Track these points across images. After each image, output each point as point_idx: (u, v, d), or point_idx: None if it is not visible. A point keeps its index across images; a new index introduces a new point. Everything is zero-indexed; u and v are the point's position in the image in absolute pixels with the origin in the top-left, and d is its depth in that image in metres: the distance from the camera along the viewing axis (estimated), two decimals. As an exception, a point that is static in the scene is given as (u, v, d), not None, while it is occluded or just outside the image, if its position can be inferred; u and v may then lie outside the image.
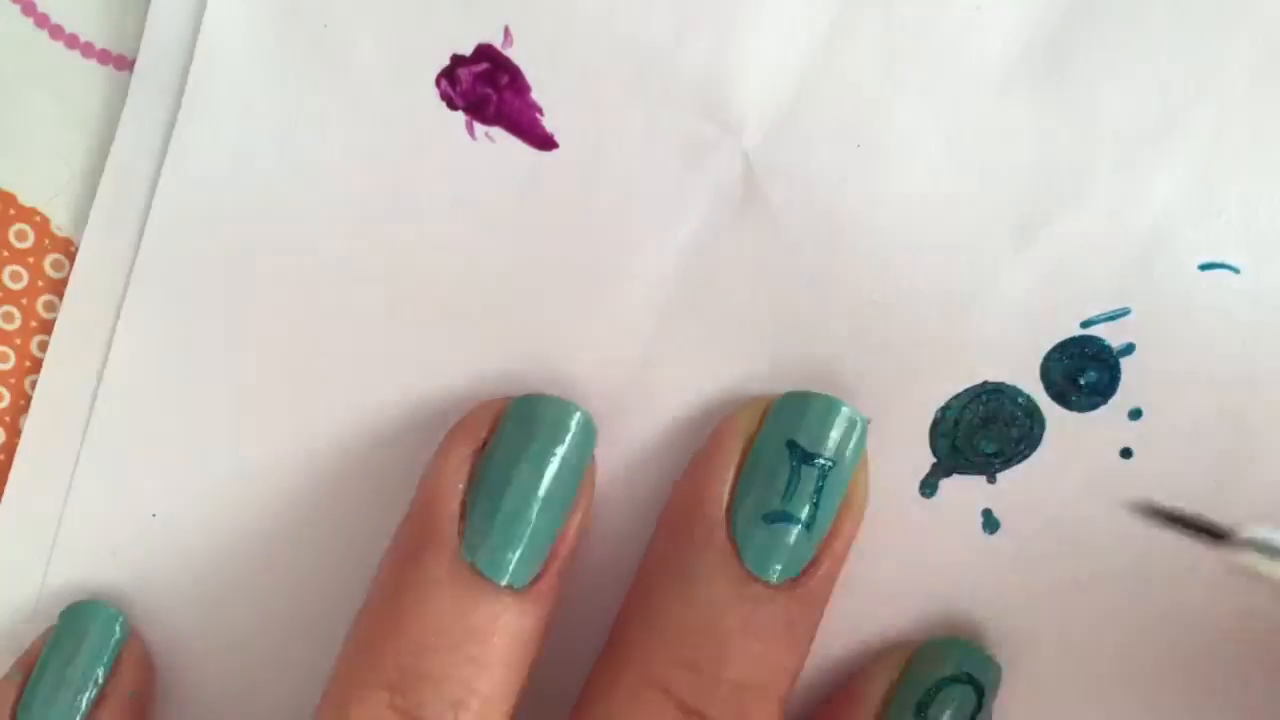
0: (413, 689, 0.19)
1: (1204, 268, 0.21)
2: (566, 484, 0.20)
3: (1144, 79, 0.20)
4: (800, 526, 0.20)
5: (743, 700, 0.20)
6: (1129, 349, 0.21)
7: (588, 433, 0.21)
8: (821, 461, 0.20)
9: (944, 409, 0.22)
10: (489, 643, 0.20)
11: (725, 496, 0.20)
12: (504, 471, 0.20)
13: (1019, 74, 0.20)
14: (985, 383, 0.22)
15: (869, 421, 0.21)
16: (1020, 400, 0.22)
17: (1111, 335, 0.21)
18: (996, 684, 0.22)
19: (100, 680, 0.22)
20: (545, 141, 0.21)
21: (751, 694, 0.20)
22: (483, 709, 0.20)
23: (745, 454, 0.21)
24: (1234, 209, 0.20)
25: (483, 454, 0.20)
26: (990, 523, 0.22)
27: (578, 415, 0.20)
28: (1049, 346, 0.21)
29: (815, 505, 0.20)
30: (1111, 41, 0.20)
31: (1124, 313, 0.21)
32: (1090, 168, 0.20)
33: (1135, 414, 0.21)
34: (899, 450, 0.22)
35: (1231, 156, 0.20)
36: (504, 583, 0.20)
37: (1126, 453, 0.22)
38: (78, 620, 0.22)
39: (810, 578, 0.20)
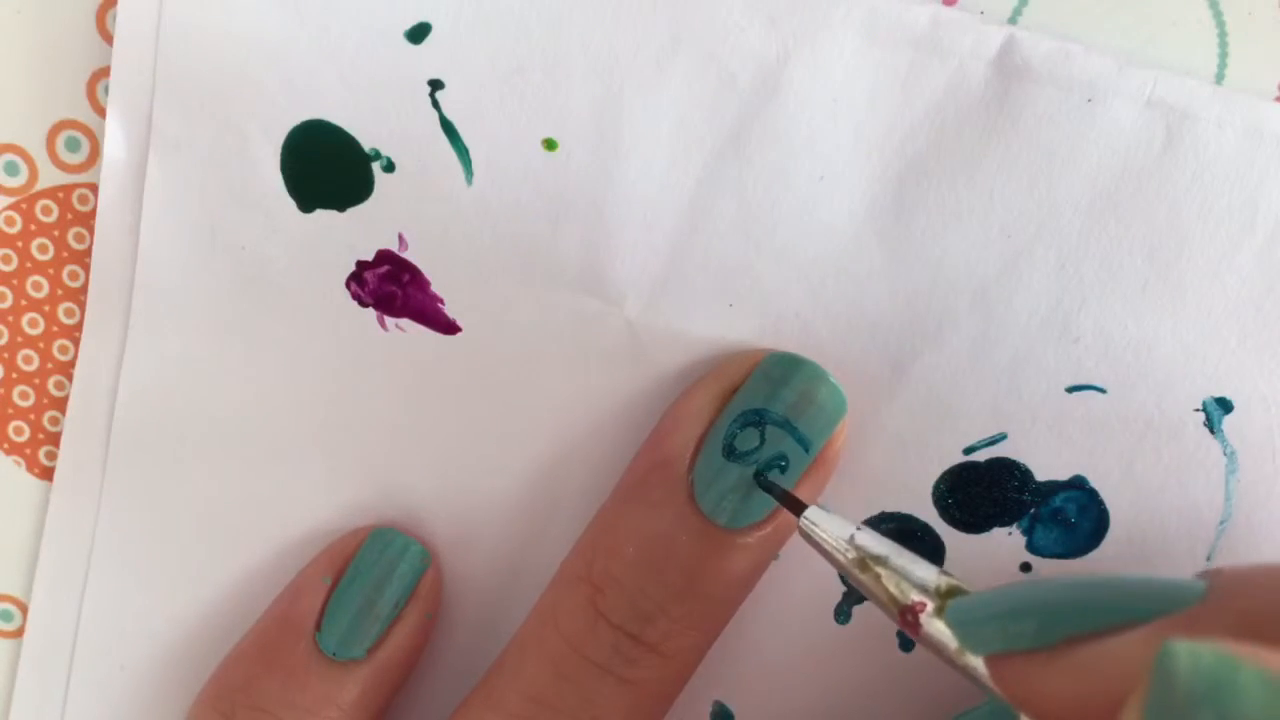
0: (612, 594, 0.21)
1: (1071, 390, 0.21)
2: (802, 446, 0.21)
3: (984, 225, 0.21)
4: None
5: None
6: (1013, 471, 0.22)
7: (836, 403, 0.21)
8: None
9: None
10: (692, 573, 0.21)
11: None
12: (740, 420, 0.21)
13: (867, 229, 0.21)
14: (883, 512, 0.23)
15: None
16: (918, 528, 0.23)
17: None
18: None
19: (401, 603, 0.23)
20: (449, 327, 0.23)
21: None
22: (669, 629, 0.21)
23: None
24: (1090, 335, 0.21)
25: (727, 402, 0.21)
26: (905, 642, 0.23)
27: (827, 384, 0.21)
28: (937, 474, 0.22)
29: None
30: (948, 196, 0.21)
31: (1001, 438, 0.22)
32: (948, 306, 0.21)
33: (1029, 531, 0.22)
34: (810, 580, 0.23)
35: (1079, 288, 0.21)
36: (720, 523, 0.21)
37: (1026, 567, 0.22)
38: (387, 546, 0.23)
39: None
